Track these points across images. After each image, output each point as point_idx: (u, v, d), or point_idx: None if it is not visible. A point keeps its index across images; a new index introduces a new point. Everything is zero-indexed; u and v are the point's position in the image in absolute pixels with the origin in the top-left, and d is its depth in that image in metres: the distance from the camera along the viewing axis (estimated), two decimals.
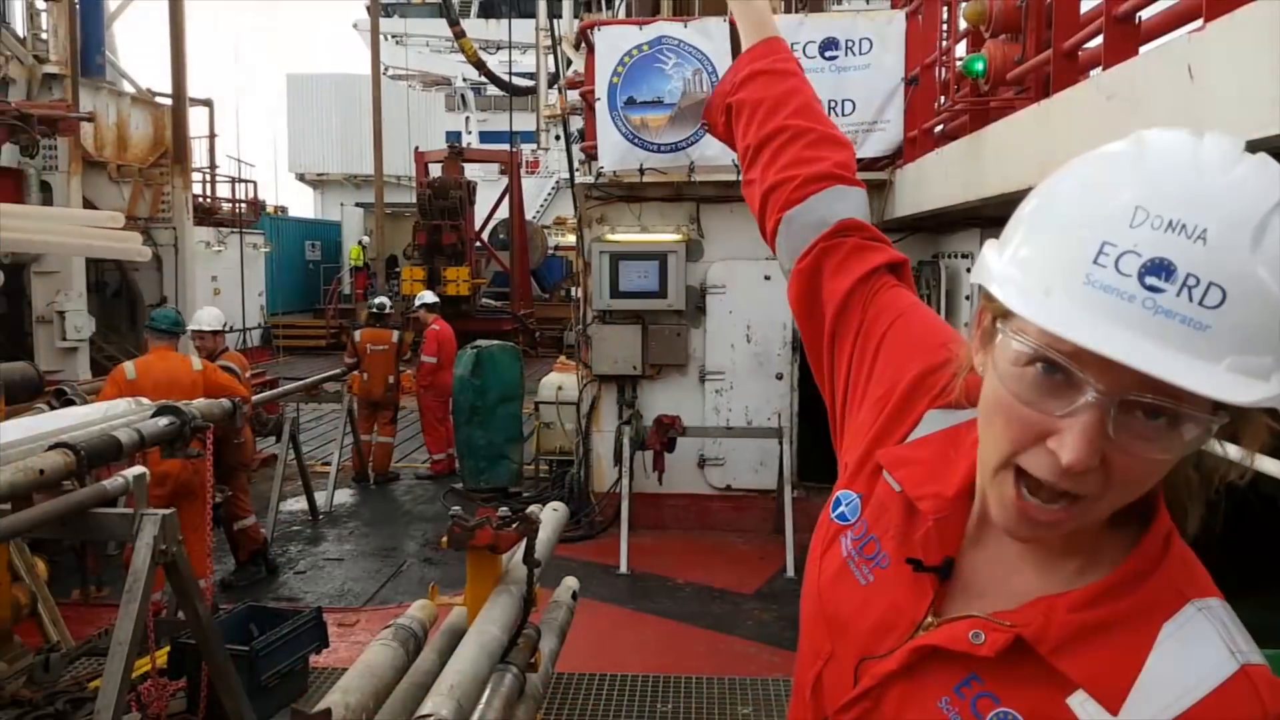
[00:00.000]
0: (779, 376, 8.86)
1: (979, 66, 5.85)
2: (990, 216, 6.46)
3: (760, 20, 1.63)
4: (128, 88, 17.71)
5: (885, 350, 1.26)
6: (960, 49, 6.72)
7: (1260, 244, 0.83)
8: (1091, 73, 4.50)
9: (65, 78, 13.97)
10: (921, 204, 7.03)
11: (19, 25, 16.90)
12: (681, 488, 8.93)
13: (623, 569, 7.95)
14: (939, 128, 7.26)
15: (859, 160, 8.06)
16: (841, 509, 1.20)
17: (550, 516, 4.73)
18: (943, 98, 7.01)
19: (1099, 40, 4.12)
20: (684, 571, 7.97)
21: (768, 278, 8.55)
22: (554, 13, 14.61)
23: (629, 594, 7.55)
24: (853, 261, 1.34)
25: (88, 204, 13.76)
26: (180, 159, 16.19)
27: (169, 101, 16.43)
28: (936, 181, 6.61)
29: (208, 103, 20.21)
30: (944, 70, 7.02)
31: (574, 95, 9.92)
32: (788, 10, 9.97)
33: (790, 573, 7.79)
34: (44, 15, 15.80)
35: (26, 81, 14.16)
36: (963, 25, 6.48)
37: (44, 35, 15.81)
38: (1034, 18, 5.47)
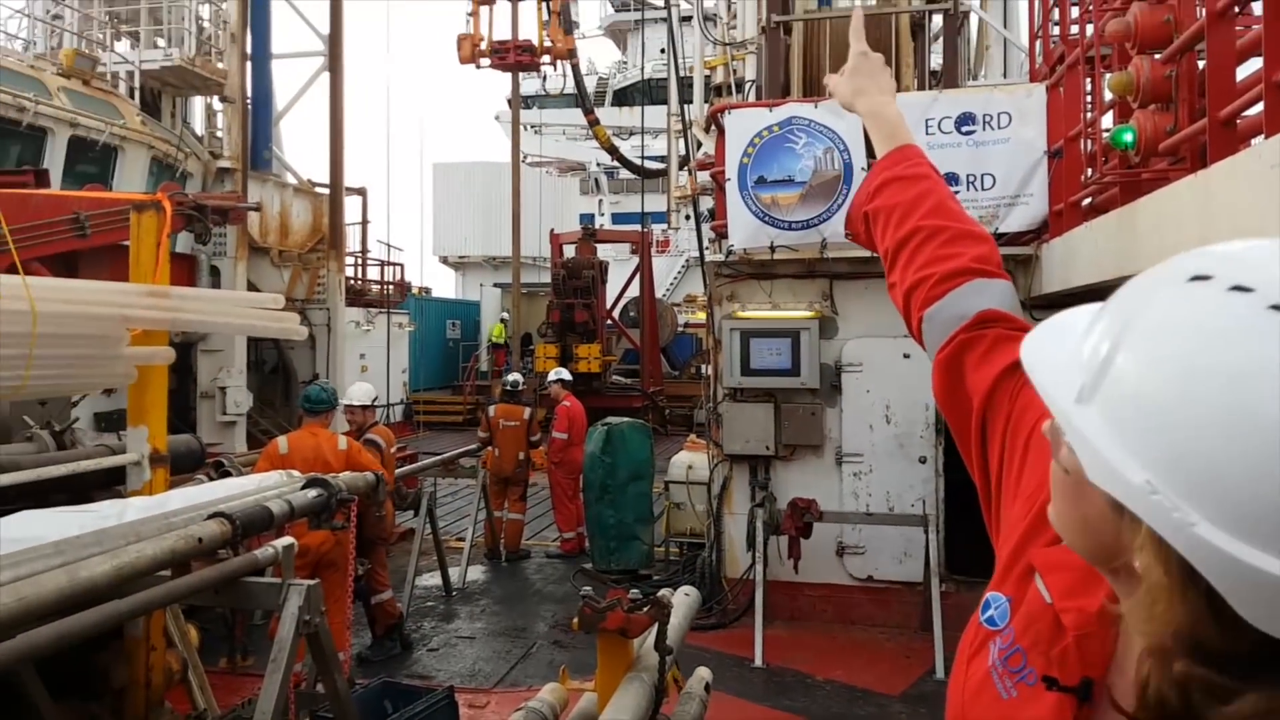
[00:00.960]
0: (922, 460, 8.53)
1: (1128, 138, 5.63)
2: None
3: (893, 131, 1.71)
4: (290, 179, 18.91)
5: (1036, 443, 1.20)
6: (1106, 120, 6.50)
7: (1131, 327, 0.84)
8: (1252, 141, 4.28)
9: (236, 171, 15.02)
10: (1071, 280, 6.76)
11: (198, 125, 18.39)
12: (819, 576, 8.62)
13: (758, 662, 7.67)
14: (1086, 201, 7.01)
15: (1000, 235, 7.91)
16: (991, 613, 1.13)
17: (682, 602, 4.65)
18: (1090, 170, 6.79)
19: (1258, 108, 3.91)
20: (823, 668, 7.64)
21: (907, 356, 8.32)
22: (685, 99, 14.90)
23: (765, 690, 7.27)
24: (995, 353, 1.33)
25: (251, 286, 14.65)
26: (336, 244, 17.12)
27: (327, 191, 17.45)
28: (1087, 257, 6.36)
29: (361, 191, 21.33)
30: (1090, 142, 6.80)
31: (704, 176, 10.04)
32: (921, 87, 9.90)
33: (940, 674, 7.35)
34: (219, 116, 17.15)
35: (202, 175, 15.32)
36: (1108, 96, 6.29)
37: (219, 133, 17.13)
38: (1185, 87, 5.25)
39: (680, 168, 32.28)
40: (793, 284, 8.85)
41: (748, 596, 8.31)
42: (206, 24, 16.78)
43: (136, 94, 15.22)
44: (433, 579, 10.09)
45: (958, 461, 1.40)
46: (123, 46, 16.45)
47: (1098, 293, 5.29)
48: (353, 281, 21.17)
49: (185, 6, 16.31)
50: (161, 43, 15.97)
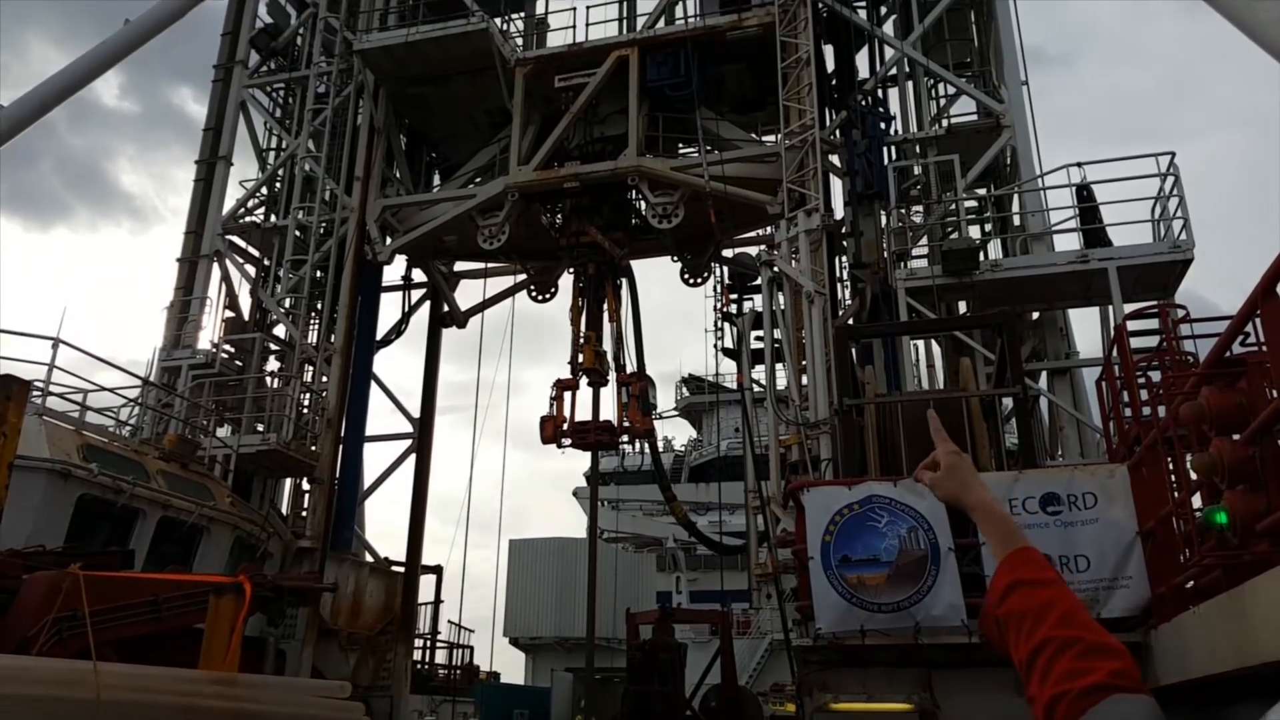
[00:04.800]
0: None
1: (1221, 519, 5.46)
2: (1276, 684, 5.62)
3: (1008, 529, 1.76)
4: (368, 557, 19.20)
5: None
6: (1196, 499, 6.35)
7: None
8: None
9: (316, 551, 15.30)
10: (1187, 670, 6.24)
11: (285, 503, 19.08)
12: None
13: None
14: (1189, 584, 6.66)
15: (1102, 620, 7.46)
16: None
17: None
18: (1186, 551, 6.52)
19: None
20: None
21: None
22: (761, 475, 15.14)
23: None
24: None
25: (315, 672, 14.35)
26: (406, 626, 16.95)
27: (403, 570, 17.59)
28: (1200, 644, 5.91)
29: (437, 570, 21.47)
30: (1182, 523, 6.59)
31: (785, 553, 9.90)
32: (998, 467, 9.91)
33: None
34: (306, 495, 17.82)
35: (282, 554, 15.62)
36: (1193, 476, 6.18)
37: (304, 513, 17.71)
38: (1272, 467, 5.15)
39: (760, 544, 32.08)
40: (888, 671, 8.32)
41: None
42: (306, 410, 17.92)
43: (230, 475, 15.90)
44: None
45: None
46: (224, 431, 17.53)
47: (1219, 683, 4.84)
48: (419, 666, 20.67)
49: (287, 395, 17.51)
50: (260, 427, 17.00)
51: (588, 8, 19.87)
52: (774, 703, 28.60)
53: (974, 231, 16.27)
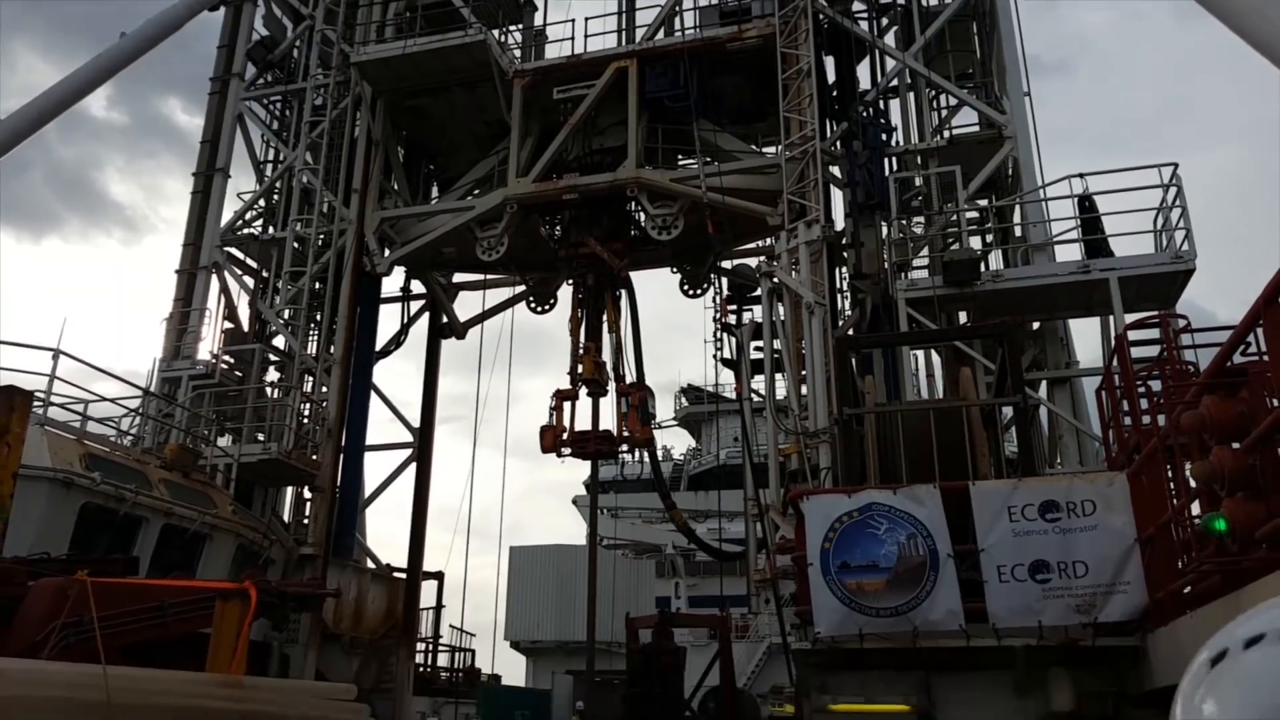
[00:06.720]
0: None
1: (1221, 526, 5.51)
2: None
3: None
4: (369, 564, 19.22)
5: None
6: (1195, 506, 6.40)
7: None
8: None
9: (318, 558, 15.33)
10: (1183, 674, 6.29)
11: (287, 511, 19.11)
12: None
13: None
14: (1187, 589, 6.71)
15: (1101, 624, 7.54)
16: None
17: None
18: (1185, 557, 6.57)
19: None
20: None
21: None
22: (760, 484, 15.18)
23: None
24: None
25: (319, 675, 14.38)
26: (409, 630, 16.99)
27: (404, 577, 17.63)
28: (1196, 648, 5.95)
29: (438, 575, 21.49)
30: (1181, 530, 6.65)
31: (784, 559, 9.94)
32: (997, 475, 9.97)
33: None
34: (308, 504, 17.86)
35: (284, 561, 15.66)
36: (1192, 483, 6.24)
37: (305, 520, 17.75)
38: (1272, 475, 5.20)
39: (758, 550, 32.07)
40: (886, 674, 8.37)
41: None
42: (306, 420, 17.97)
43: (232, 484, 15.94)
44: None
45: None
46: (225, 441, 17.58)
47: None
48: (422, 669, 20.70)
49: (288, 405, 17.55)
50: (261, 437, 17.04)
51: (586, 19, 19.87)
52: (773, 704, 28.57)
53: (975, 242, 16.34)
